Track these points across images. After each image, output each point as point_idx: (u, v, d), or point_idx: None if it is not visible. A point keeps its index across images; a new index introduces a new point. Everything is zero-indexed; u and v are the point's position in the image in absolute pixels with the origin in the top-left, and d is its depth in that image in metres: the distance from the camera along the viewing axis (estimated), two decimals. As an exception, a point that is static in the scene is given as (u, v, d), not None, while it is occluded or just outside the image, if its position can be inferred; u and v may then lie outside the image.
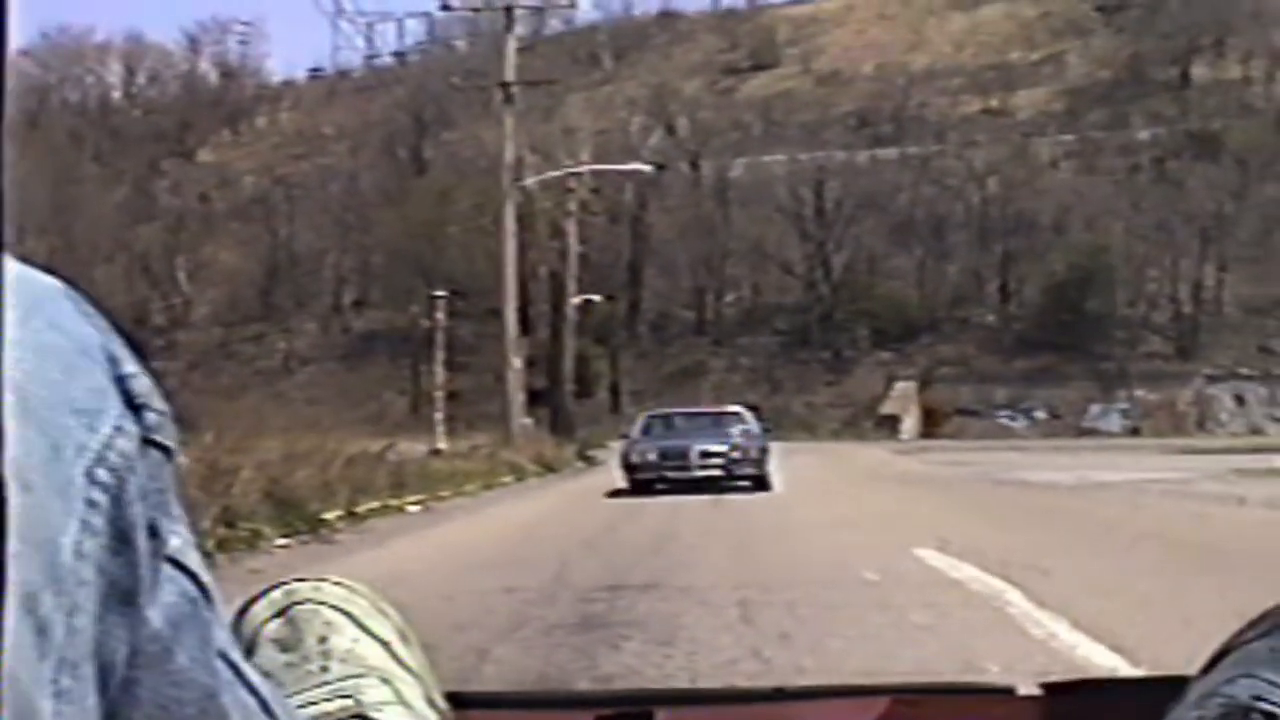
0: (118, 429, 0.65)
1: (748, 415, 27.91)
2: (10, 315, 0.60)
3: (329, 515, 17.71)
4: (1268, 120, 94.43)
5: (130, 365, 0.68)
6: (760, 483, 24.62)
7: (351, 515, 18.43)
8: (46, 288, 0.66)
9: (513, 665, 7.38)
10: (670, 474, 24.73)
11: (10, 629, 0.55)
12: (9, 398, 0.58)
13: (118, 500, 0.63)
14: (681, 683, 6.94)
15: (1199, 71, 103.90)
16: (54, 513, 0.60)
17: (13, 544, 0.53)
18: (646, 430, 27.35)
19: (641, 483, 24.81)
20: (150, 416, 0.67)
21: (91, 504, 0.62)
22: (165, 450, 0.68)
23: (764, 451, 25.43)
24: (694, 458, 24.85)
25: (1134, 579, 10.63)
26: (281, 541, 15.46)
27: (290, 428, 21.98)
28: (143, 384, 0.68)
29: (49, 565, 0.59)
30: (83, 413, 0.63)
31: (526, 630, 8.53)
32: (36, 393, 0.61)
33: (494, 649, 7.76)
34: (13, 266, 0.63)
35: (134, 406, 0.66)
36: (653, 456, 25.26)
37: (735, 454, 24.99)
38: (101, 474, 0.63)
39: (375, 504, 20.25)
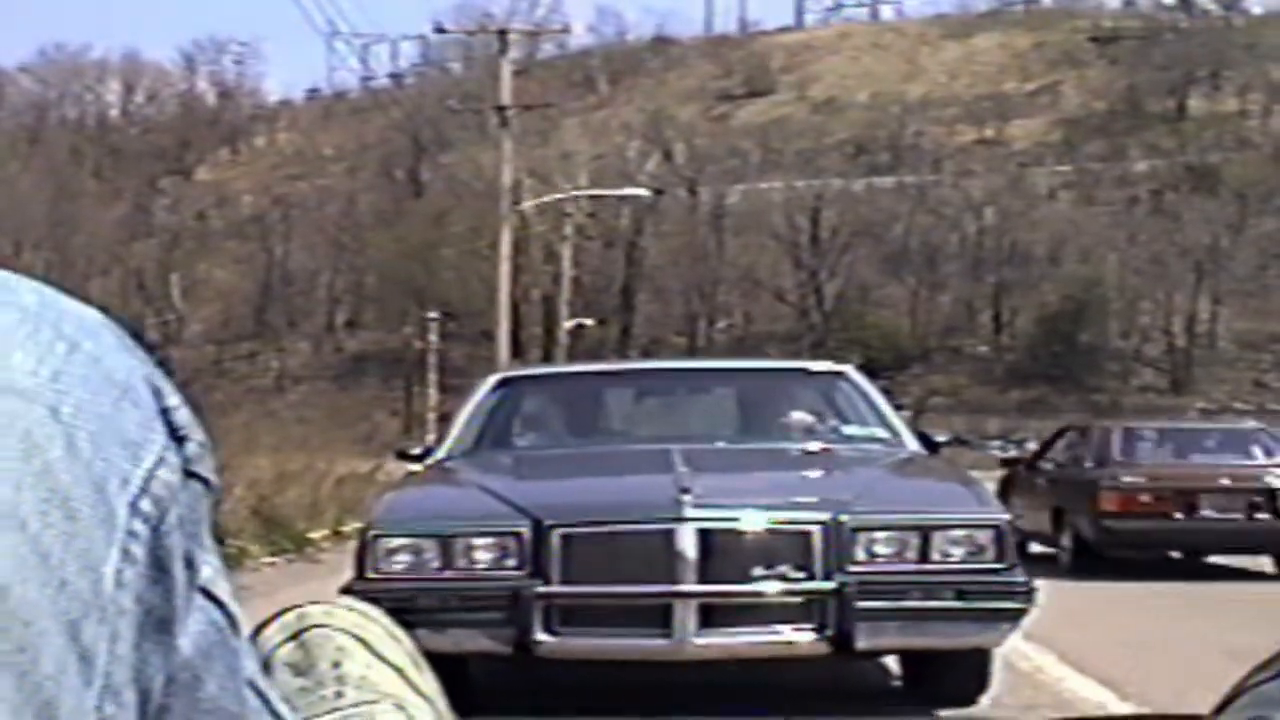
0: (161, 460, 0.65)
1: (872, 390, 7.98)
2: (59, 348, 0.62)
3: (315, 534, 17.68)
4: (1265, 154, 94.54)
5: (173, 397, 0.68)
6: (969, 671, 6.64)
7: (338, 535, 18.39)
8: (89, 321, 0.66)
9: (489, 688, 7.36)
10: (574, 636, 6.19)
11: (57, 656, 0.57)
12: (58, 429, 0.60)
13: (157, 530, 0.63)
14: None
15: (1195, 104, 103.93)
16: (97, 542, 0.60)
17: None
18: (485, 436, 8.02)
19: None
20: (191, 448, 0.67)
21: (133, 534, 0.62)
22: (204, 482, 0.68)
23: (998, 542, 6.35)
24: (684, 562, 5.88)
25: (1120, 614, 10.59)
26: (268, 560, 15.43)
27: (281, 446, 21.94)
28: (184, 416, 0.68)
29: (91, 593, 0.59)
30: (129, 444, 0.63)
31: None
32: (84, 425, 0.62)
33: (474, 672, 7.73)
34: (58, 300, 0.65)
35: (177, 438, 0.66)
36: (485, 561, 6.25)
37: (899, 544, 6.18)
38: (145, 505, 0.63)
39: (362, 524, 20.20)
